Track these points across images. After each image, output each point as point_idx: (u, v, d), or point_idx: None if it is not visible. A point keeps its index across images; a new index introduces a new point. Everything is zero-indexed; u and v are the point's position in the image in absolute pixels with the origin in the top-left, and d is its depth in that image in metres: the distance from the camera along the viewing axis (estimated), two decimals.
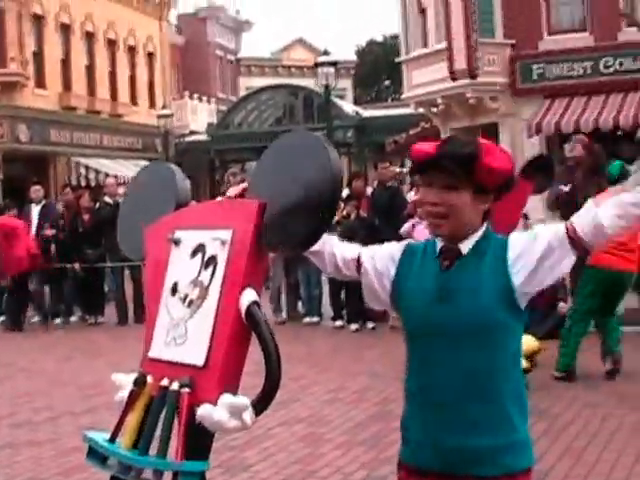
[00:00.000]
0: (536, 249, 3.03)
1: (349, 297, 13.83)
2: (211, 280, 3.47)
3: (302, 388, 9.45)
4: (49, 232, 17.00)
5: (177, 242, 3.62)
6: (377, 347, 12.26)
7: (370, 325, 13.92)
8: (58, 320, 17.12)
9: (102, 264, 16.66)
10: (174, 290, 3.58)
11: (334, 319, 14.58)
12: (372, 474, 6.66)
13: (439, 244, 3.15)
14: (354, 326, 13.99)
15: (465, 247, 3.11)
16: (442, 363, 3.03)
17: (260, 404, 3.32)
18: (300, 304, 15.65)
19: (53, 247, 17.17)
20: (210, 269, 3.49)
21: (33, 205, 17.71)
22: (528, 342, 9.59)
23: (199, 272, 3.52)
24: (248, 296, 3.34)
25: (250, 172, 4.44)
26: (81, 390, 10.17)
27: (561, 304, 12.47)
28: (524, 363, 8.96)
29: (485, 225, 3.14)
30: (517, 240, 3.07)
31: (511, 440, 3.02)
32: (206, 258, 3.51)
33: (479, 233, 3.11)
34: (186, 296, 3.53)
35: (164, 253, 3.64)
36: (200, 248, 3.55)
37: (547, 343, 10.10)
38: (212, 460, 6.91)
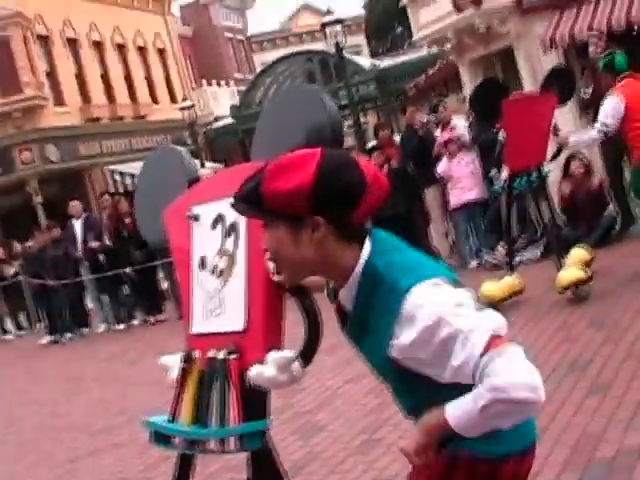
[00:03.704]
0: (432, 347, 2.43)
1: None
2: (236, 247, 3.53)
3: None
4: (95, 244, 17.22)
5: (196, 218, 3.67)
6: None
7: None
8: (121, 326, 17.36)
9: (153, 263, 16.81)
10: (202, 264, 3.64)
11: None
12: None
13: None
14: None
15: (346, 299, 2.63)
16: None
17: (306, 355, 3.38)
18: None
19: (102, 257, 17.41)
20: (233, 236, 3.54)
21: (74, 220, 17.87)
22: (582, 252, 9.62)
23: (223, 241, 3.58)
24: None
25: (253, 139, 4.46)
26: (154, 388, 10.27)
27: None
28: (583, 273, 9.04)
29: (363, 260, 2.55)
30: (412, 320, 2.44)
31: None
32: (227, 227, 3.57)
33: (356, 272, 2.56)
34: (215, 267, 3.59)
35: (186, 231, 3.70)
36: (219, 218, 3.60)
37: (598, 251, 10.12)
38: (286, 428, 7.07)
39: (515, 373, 2.32)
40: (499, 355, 2.33)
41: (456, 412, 2.38)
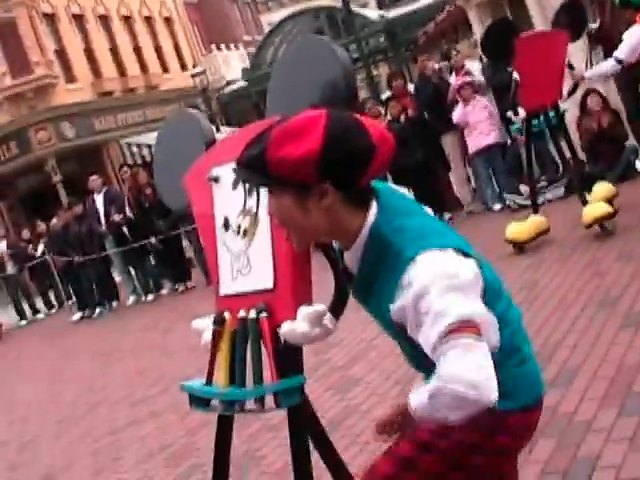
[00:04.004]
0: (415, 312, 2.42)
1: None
2: (258, 205, 3.51)
3: None
4: (117, 217, 17.25)
5: (217, 179, 3.65)
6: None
7: (447, 216, 13.85)
8: (150, 297, 17.45)
9: (176, 231, 16.83)
10: (226, 226, 3.62)
11: None
12: None
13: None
14: None
15: (351, 262, 2.64)
16: None
17: (337, 307, 3.39)
18: None
19: (126, 230, 17.48)
20: (254, 195, 3.52)
21: (96, 195, 17.88)
22: (605, 188, 9.58)
23: (245, 201, 3.56)
24: None
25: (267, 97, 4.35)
26: (189, 355, 10.31)
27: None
28: (607, 209, 8.99)
29: (369, 223, 2.54)
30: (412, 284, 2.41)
31: None
32: (248, 186, 3.55)
33: (361, 236, 2.55)
34: (239, 227, 3.57)
35: (207, 194, 3.68)
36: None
37: (620, 186, 10.06)
38: (322, 384, 7.07)
39: (461, 367, 2.29)
40: (455, 346, 2.31)
41: (415, 399, 2.45)
